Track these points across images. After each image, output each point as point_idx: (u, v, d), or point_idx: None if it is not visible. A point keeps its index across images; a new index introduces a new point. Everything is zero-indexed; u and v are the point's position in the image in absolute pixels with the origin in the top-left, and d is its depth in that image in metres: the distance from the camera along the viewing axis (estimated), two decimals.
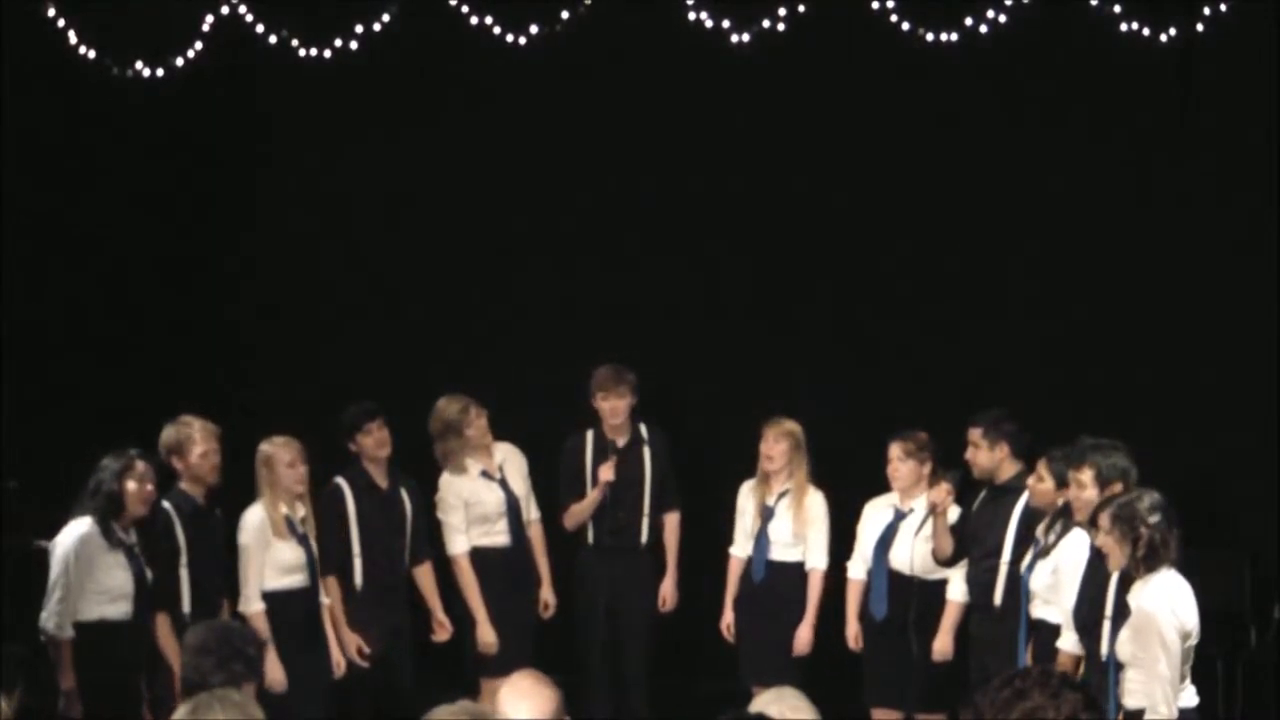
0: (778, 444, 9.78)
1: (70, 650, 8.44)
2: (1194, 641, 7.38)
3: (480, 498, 9.91)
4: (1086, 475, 8.11)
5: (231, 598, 9.11)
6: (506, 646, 9.68)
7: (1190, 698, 7.45)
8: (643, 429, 10.17)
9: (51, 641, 8.45)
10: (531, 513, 10.11)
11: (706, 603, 10.09)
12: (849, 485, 10.00)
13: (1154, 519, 7.33)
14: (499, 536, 9.95)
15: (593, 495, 10.05)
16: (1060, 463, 8.50)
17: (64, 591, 8.45)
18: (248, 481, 9.19)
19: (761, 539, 9.83)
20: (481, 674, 9.75)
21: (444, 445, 9.87)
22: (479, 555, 9.91)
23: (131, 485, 8.59)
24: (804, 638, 9.75)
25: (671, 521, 10.20)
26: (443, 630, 9.81)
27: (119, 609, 8.56)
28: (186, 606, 8.76)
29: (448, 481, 9.91)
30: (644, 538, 10.13)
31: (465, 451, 9.87)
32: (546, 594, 10.08)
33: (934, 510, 9.17)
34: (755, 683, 8.96)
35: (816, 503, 9.82)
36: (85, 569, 8.47)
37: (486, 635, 9.81)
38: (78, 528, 8.54)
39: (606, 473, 10.00)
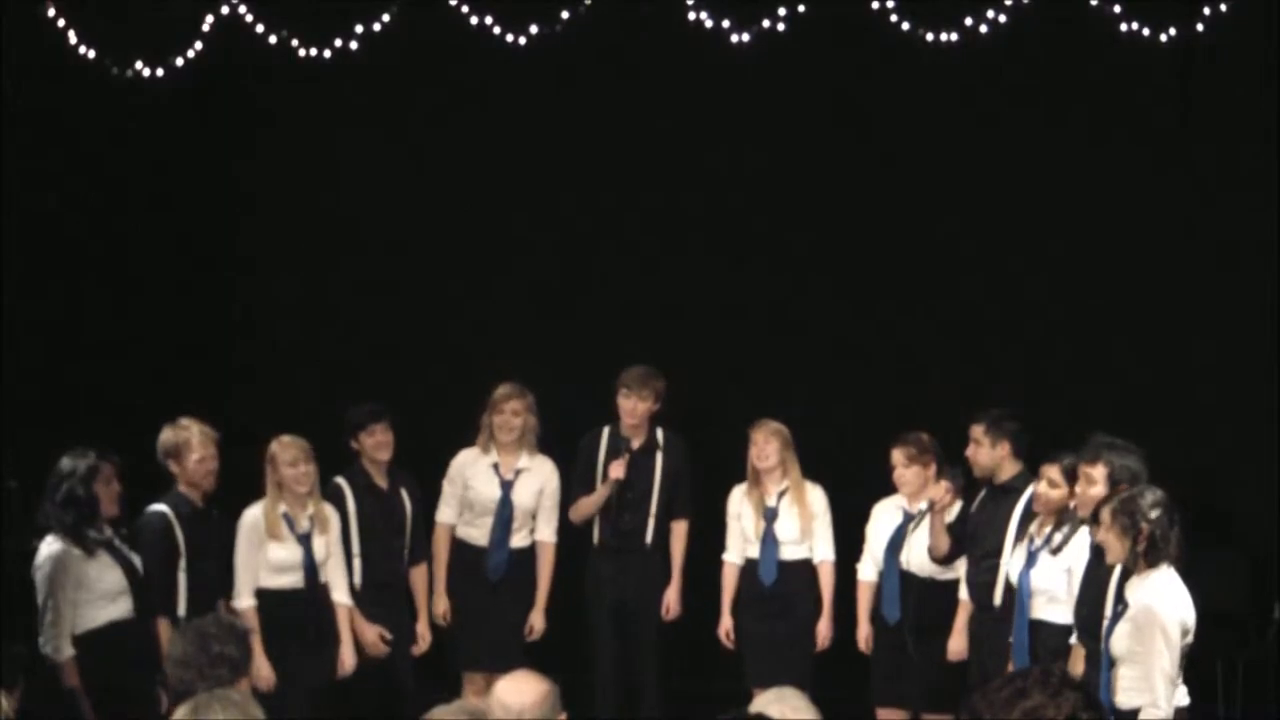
0: (769, 443, 9.77)
1: (75, 667, 8.39)
2: (1190, 640, 7.38)
3: (476, 484, 9.90)
4: (1099, 472, 8.08)
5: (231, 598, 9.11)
6: (491, 645, 9.68)
7: (1182, 697, 7.44)
8: (659, 435, 10.14)
9: (54, 665, 8.39)
10: (544, 534, 10.04)
11: (715, 604, 10.06)
12: (851, 485, 9.99)
13: (1155, 514, 7.33)
14: (477, 532, 9.93)
15: (600, 491, 10.00)
16: (1069, 466, 8.46)
17: (54, 614, 8.38)
18: (246, 482, 9.18)
19: (768, 541, 9.78)
20: (463, 668, 9.81)
21: (483, 418, 9.90)
22: (456, 547, 9.93)
23: (103, 489, 8.55)
24: (824, 632, 9.73)
25: (679, 530, 10.13)
26: (421, 643, 9.81)
27: (121, 607, 8.53)
28: (182, 609, 8.72)
29: (461, 455, 9.95)
30: (649, 539, 10.09)
31: (492, 436, 9.88)
32: (535, 617, 9.98)
33: (933, 508, 9.16)
34: (762, 685, 8.92)
35: (817, 497, 9.82)
36: (73, 584, 8.39)
37: (439, 605, 9.85)
38: (50, 546, 8.45)
39: (617, 470, 9.96)
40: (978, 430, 9.17)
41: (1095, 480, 8.10)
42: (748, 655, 9.85)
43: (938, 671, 9.36)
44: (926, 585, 9.43)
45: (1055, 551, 8.51)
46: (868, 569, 9.69)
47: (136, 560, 8.62)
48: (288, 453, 9.14)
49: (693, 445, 10.41)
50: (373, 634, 9.40)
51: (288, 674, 8.94)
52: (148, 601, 8.63)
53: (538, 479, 9.96)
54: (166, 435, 8.97)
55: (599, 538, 10.10)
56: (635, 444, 10.05)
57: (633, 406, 9.99)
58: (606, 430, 10.11)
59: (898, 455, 9.49)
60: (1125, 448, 8.14)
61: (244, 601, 9.02)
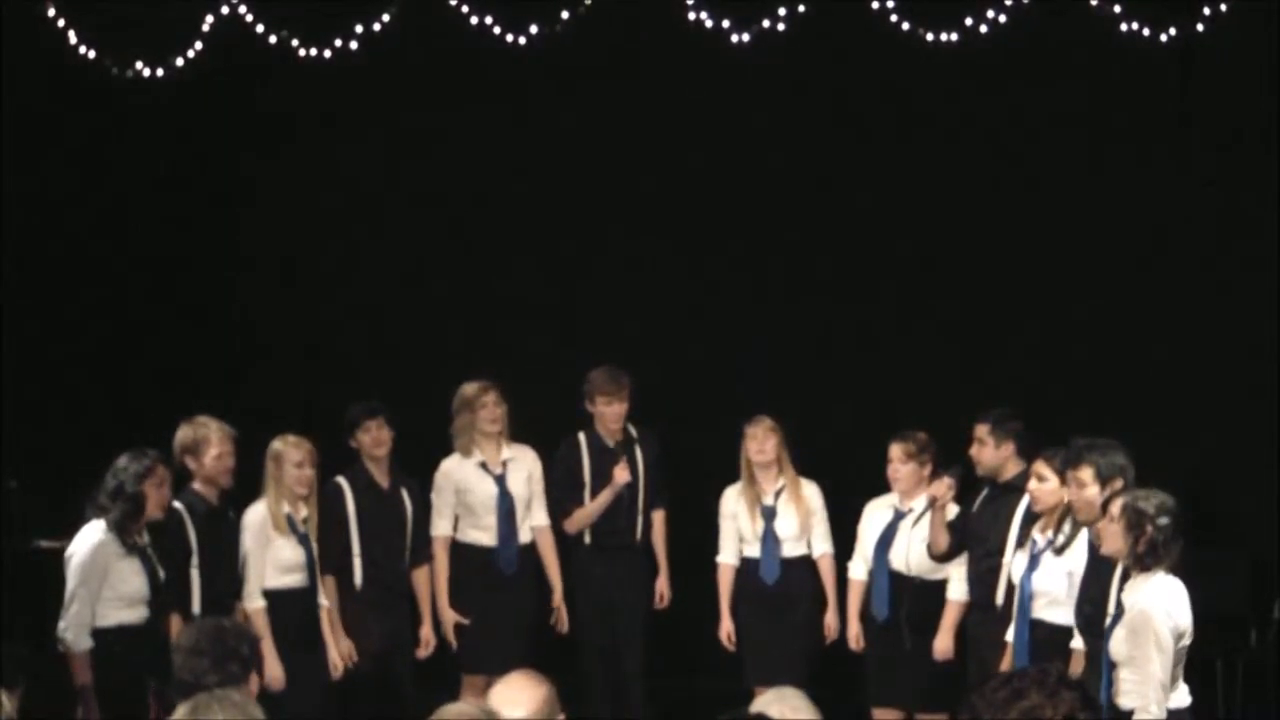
0: (768, 439, 9.77)
1: (89, 659, 8.40)
2: (1187, 642, 7.38)
3: (470, 485, 9.88)
4: (1086, 474, 8.10)
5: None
6: (493, 646, 9.66)
7: (1182, 698, 7.44)
8: (631, 429, 10.16)
9: (69, 652, 8.39)
10: (539, 519, 10.05)
11: (705, 603, 10.08)
12: (848, 485, 9.99)
13: (1162, 520, 7.33)
14: (483, 534, 9.91)
15: (604, 496, 9.99)
16: (1060, 460, 8.49)
17: (82, 603, 8.37)
18: (250, 481, 9.18)
19: (768, 539, 9.78)
20: (463, 670, 9.79)
21: (458, 423, 9.88)
22: (462, 551, 9.89)
23: (153, 490, 8.56)
24: (831, 623, 9.75)
25: (659, 520, 10.20)
26: (425, 647, 9.81)
27: (136, 613, 8.51)
28: (197, 607, 8.71)
29: (446, 464, 9.91)
30: (638, 536, 10.13)
31: (473, 435, 9.86)
32: (557, 602, 10.00)
33: (933, 504, 9.15)
34: (763, 684, 8.94)
35: (814, 492, 9.84)
36: (102, 577, 8.40)
37: (448, 619, 9.81)
38: (92, 535, 8.44)
39: (623, 474, 9.96)
40: (982, 430, 9.17)
41: (1085, 482, 8.11)
42: (747, 655, 9.85)
43: (932, 671, 9.36)
44: (917, 585, 9.43)
45: (1059, 552, 8.50)
46: (858, 568, 9.70)
47: (161, 571, 8.62)
48: (295, 453, 9.13)
49: (689, 444, 10.43)
50: (345, 651, 9.39)
51: (293, 674, 8.94)
52: (163, 606, 8.63)
53: (524, 466, 9.98)
54: (185, 432, 8.93)
55: (591, 538, 10.10)
56: (613, 443, 10.06)
57: (617, 410, 10.00)
58: (583, 436, 10.11)
59: (895, 450, 9.49)
60: (1107, 445, 8.15)
61: (256, 602, 9.00)
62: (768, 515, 9.82)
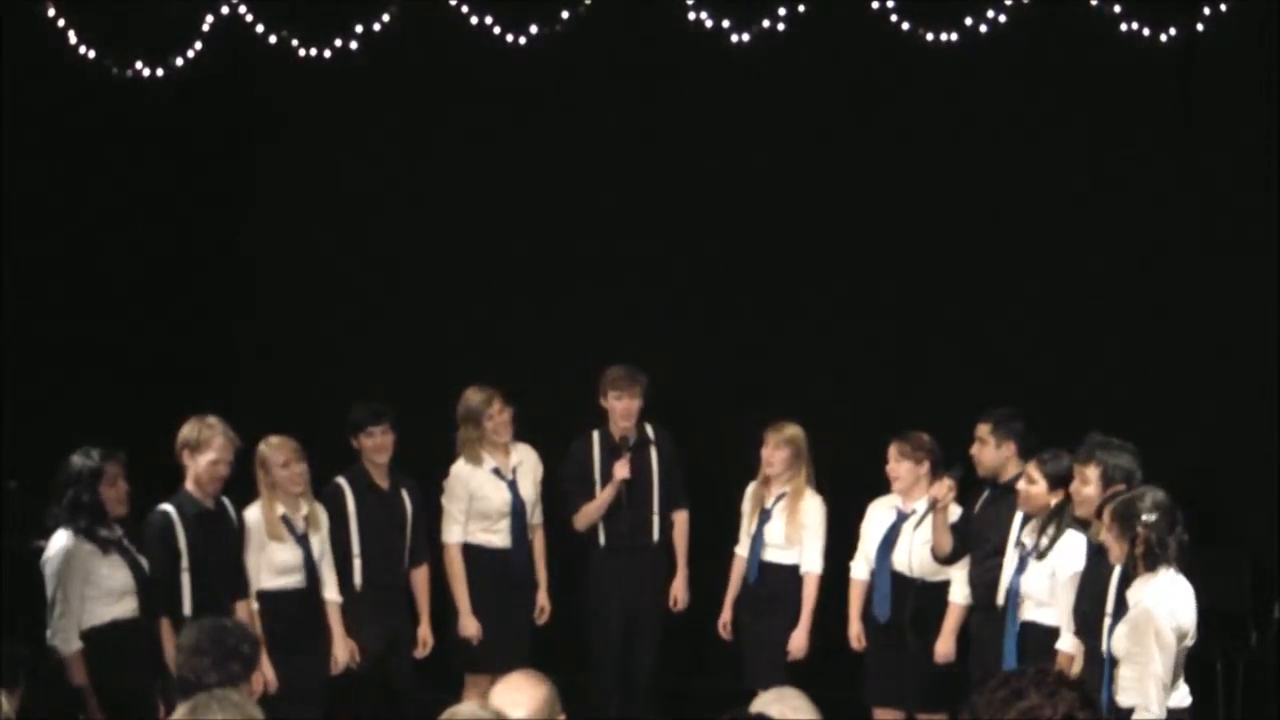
0: (778, 451, 9.79)
1: (83, 660, 8.40)
2: (1190, 643, 7.38)
3: (485, 493, 9.90)
4: (1092, 472, 8.10)
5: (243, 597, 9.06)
6: (497, 646, 9.68)
7: (1183, 698, 7.45)
8: (648, 428, 10.18)
9: (61, 659, 8.40)
10: (535, 517, 10.09)
11: (710, 602, 10.09)
12: (849, 485, 10.00)
13: (1152, 518, 7.32)
14: (497, 536, 9.94)
15: (606, 493, 10.03)
16: (1051, 464, 8.51)
17: (64, 607, 8.40)
18: (246, 481, 9.17)
19: (756, 540, 9.84)
20: (467, 670, 9.77)
21: (464, 433, 9.89)
22: (475, 553, 9.91)
23: (108, 489, 8.55)
24: (798, 641, 9.76)
25: (680, 520, 10.23)
26: (423, 648, 9.81)
27: (126, 606, 8.53)
28: (188, 609, 8.68)
29: (458, 470, 9.93)
30: (655, 536, 10.14)
31: (482, 443, 9.87)
32: (542, 599, 10.06)
33: (935, 505, 9.15)
34: (752, 681, 8.97)
35: (813, 507, 9.81)
36: (81, 579, 8.41)
37: (468, 627, 9.83)
38: (61, 541, 8.47)
39: (622, 469, 10.00)
40: (984, 429, 9.18)
41: (1089, 480, 8.11)
42: (740, 651, 9.90)
43: (932, 671, 9.37)
44: (919, 587, 9.43)
45: (1041, 556, 8.52)
46: (860, 568, 9.70)
47: (143, 561, 8.62)
48: (279, 454, 9.12)
49: (696, 445, 10.42)
50: (347, 651, 9.38)
51: (291, 675, 8.93)
52: (152, 602, 8.62)
53: (530, 468, 10.06)
54: (190, 429, 8.89)
55: (604, 539, 10.12)
56: (619, 440, 10.07)
57: (626, 406, 10.03)
58: (596, 434, 10.13)
59: (893, 449, 9.53)
60: (1120, 447, 8.15)
61: (251, 605, 9.01)
62: (762, 518, 9.85)
